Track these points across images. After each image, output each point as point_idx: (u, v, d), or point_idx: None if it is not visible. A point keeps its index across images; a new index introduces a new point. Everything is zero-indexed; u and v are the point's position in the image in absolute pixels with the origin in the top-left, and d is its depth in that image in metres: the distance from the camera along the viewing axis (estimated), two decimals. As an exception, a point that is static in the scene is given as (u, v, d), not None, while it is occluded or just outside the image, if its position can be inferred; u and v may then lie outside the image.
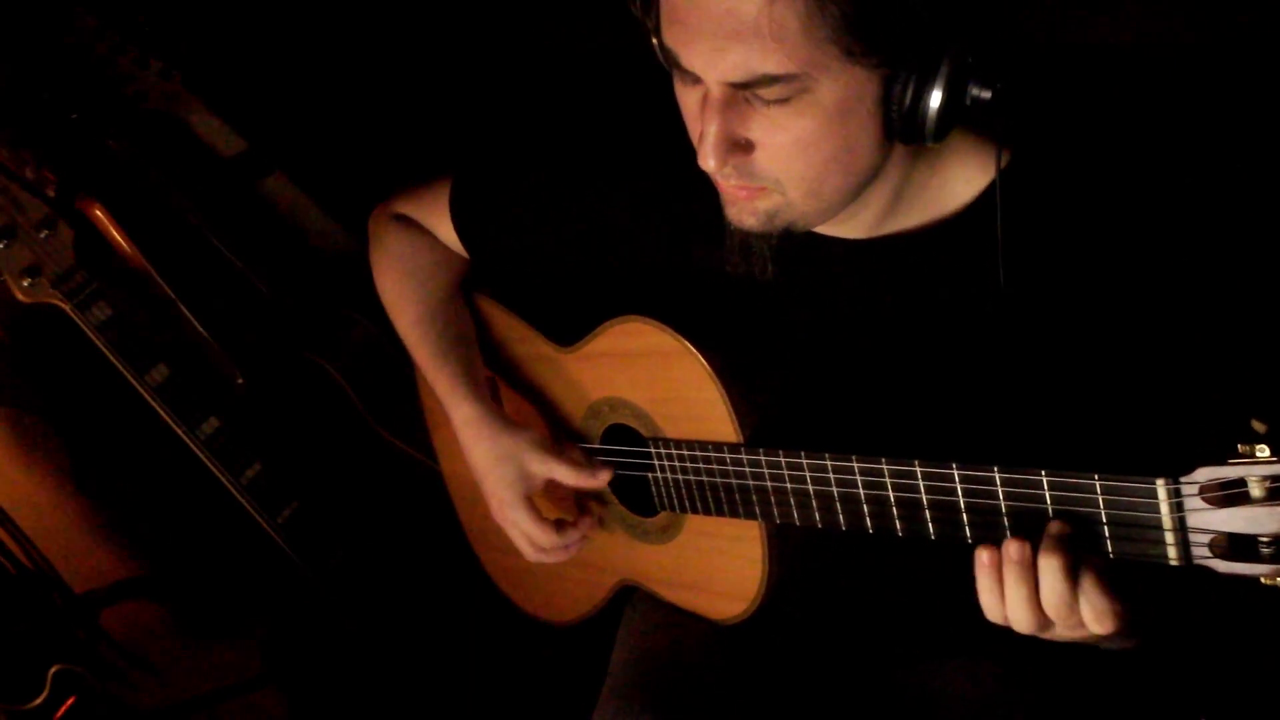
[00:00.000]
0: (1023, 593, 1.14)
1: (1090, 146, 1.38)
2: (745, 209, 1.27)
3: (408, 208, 1.82)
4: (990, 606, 1.18)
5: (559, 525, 1.70)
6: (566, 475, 1.67)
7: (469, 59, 2.54)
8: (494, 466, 1.69)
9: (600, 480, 1.67)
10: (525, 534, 1.71)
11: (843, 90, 1.14)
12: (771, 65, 1.11)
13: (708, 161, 1.20)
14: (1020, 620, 1.16)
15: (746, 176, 1.23)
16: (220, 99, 2.30)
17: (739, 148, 1.20)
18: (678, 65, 1.19)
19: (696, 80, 1.18)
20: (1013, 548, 1.14)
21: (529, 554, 1.74)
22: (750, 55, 1.11)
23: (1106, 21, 1.87)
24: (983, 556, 1.16)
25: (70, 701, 1.99)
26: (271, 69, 2.54)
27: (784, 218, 1.26)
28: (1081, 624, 1.13)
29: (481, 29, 2.51)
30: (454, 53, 2.55)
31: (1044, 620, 1.15)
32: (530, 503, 1.69)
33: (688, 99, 1.24)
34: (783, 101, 1.14)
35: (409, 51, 2.58)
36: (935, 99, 1.14)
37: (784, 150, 1.19)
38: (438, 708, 2.29)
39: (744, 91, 1.15)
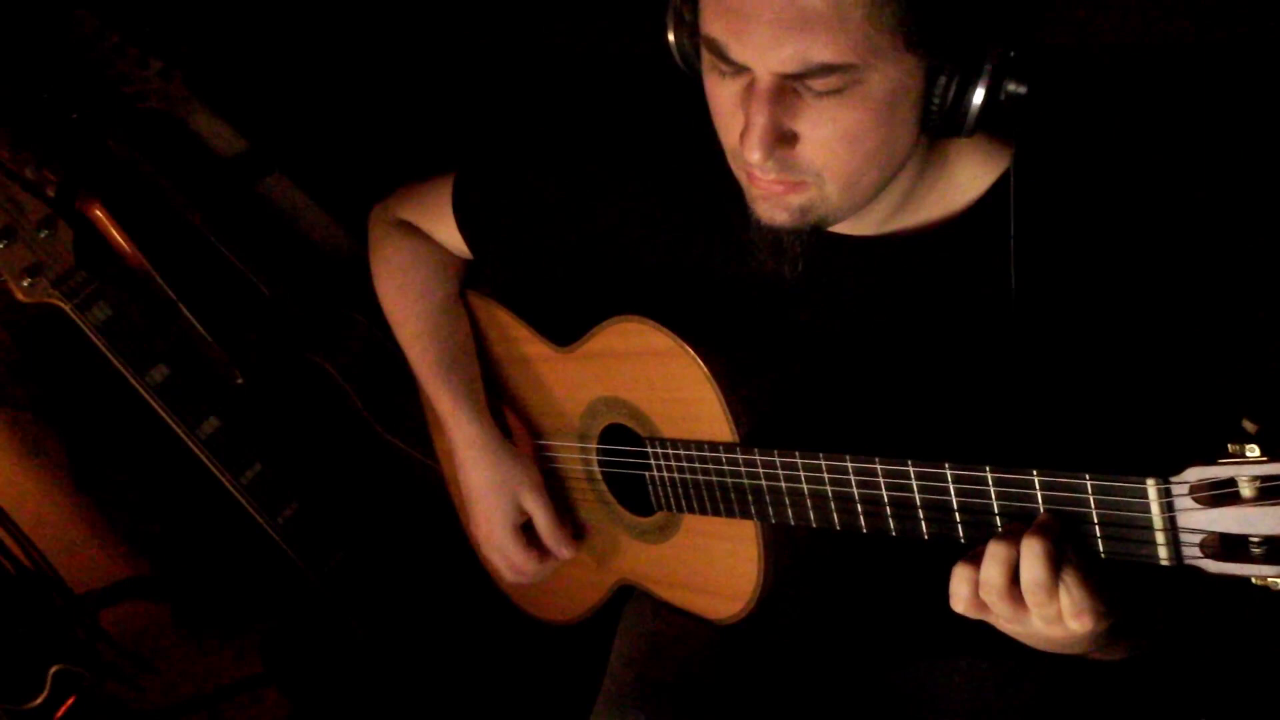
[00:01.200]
0: (1002, 553, 1.12)
1: (1097, 145, 1.38)
2: (778, 205, 1.26)
3: (407, 211, 1.82)
4: (961, 579, 1.17)
5: (541, 555, 1.77)
6: (545, 527, 1.75)
7: (470, 59, 2.55)
8: (489, 493, 1.75)
9: (564, 554, 1.76)
10: (508, 559, 1.79)
11: (893, 82, 1.14)
12: (830, 54, 1.10)
13: (753, 154, 1.18)
14: (992, 586, 1.14)
15: (788, 170, 1.21)
16: (220, 99, 2.30)
17: (784, 140, 1.18)
18: (724, 56, 1.17)
19: (739, 72, 1.18)
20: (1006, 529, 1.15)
21: (507, 577, 1.83)
22: (810, 44, 1.10)
23: (1113, 21, 1.87)
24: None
25: (70, 701, 1.99)
26: (271, 69, 2.54)
27: (816, 213, 1.26)
28: (1059, 617, 1.12)
29: (483, 28, 2.51)
30: (455, 52, 2.55)
31: (1018, 602, 1.13)
32: (518, 532, 1.76)
33: (725, 92, 1.22)
34: (834, 93, 1.14)
35: (409, 51, 2.59)
36: (979, 93, 1.15)
37: (830, 142, 1.18)
38: (438, 707, 2.29)
39: (793, 82, 1.15)
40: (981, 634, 1.48)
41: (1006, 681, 1.52)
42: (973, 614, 1.19)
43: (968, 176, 1.32)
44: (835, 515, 1.35)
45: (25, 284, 1.85)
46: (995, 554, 1.13)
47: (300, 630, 2.24)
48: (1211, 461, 0.99)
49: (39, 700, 1.97)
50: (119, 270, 2.17)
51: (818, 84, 1.13)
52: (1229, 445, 0.97)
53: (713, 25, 1.17)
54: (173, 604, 2.24)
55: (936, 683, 1.58)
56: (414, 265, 1.80)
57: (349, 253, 2.43)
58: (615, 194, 1.60)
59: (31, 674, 1.98)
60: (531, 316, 1.77)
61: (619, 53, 1.89)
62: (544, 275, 1.73)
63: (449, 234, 1.77)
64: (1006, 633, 1.20)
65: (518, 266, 1.75)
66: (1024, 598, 1.12)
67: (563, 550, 1.75)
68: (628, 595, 1.80)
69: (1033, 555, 1.10)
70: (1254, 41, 1.77)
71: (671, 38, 1.26)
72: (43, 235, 1.85)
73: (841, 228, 1.37)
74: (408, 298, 1.80)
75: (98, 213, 2.15)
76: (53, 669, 1.99)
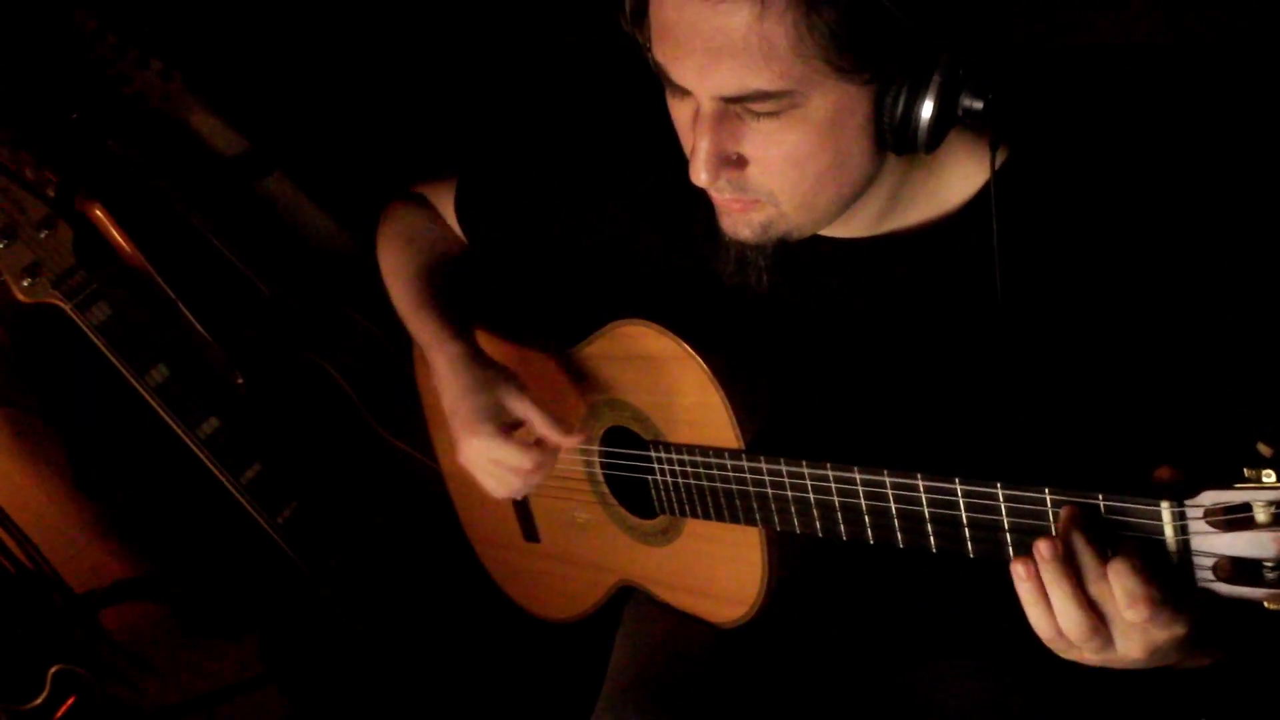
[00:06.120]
0: (1065, 588, 1.07)
1: (1088, 145, 1.38)
2: (740, 221, 1.28)
3: (421, 189, 1.85)
4: (1041, 621, 1.11)
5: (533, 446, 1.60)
6: (539, 421, 1.58)
7: (469, 59, 2.54)
8: (467, 395, 1.61)
9: (570, 441, 1.59)
10: (492, 458, 1.60)
11: (834, 105, 1.14)
12: (762, 81, 1.11)
13: (699, 176, 1.20)
14: (1071, 621, 1.08)
15: (740, 190, 1.23)
16: (220, 99, 2.30)
17: (731, 162, 1.20)
18: (669, 80, 1.19)
19: (688, 94, 1.19)
20: (1044, 546, 1.07)
21: (502, 486, 1.64)
22: (740, 71, 1.11)
23: (1103, 22, 1.87)
24: (1018, 570, 1.10)
25: (70, 701, 1.99)
26: (271, 69, 2.53)
27: (778, 229, 1.27)
28: (1123, 618, 1.06)
29: (482, 29, 2.51)
30: (454, 53, 2.54)
31: (1094, 619, 1.07)
32: (505, 430, 1.59)
33: (680, 112, 1.24)
34: (773, 115, 1.15)
35: (409, 51, 2.58)
36: (926, 112, 1.15)
37: (776, 165, 1.19)
38: (438, 707, 2.30)
39: (735, 106, 1.16)
40: (982, 636, 1.50)
41: (1008, 683, 1.53)
42: (1058, 641, 1.13)
43: (958, 177, 1.33)
44: (842, 526, 1.36)
45: (25, 284, 1.84)
46: (1057, 587, 1.08)
47: (300, 630, 2.24)
48: (1227, 485, 0.99)
49: (39, 700, 1.97)
50: (119, 270, 2.16)
51: (757, 107, 1.14)
52: (1244, 470, 0.97)
53: (657, 50, 1.19)
54: (173, 604, 2.23)
55: (938, 685, 1.58)
56: (419, 224, 1.82)
57: (349, 253, 2.43)
58: (615, 197, 1.61)
59: (31, 674, 1.98)
60: (535, 317, 1.78)
61: (619, 54, 1.88)
62: (545, 277, 1.74)
63: (455, 222, 1.78)
64: (1095, 665, 1.14)
65: (518, 268, 1.76)
66: (1088, 595, 1.07)
67: (566, 438, 1.58)
68: (628, 595, 1.80)
69: (1080, 544, 1.07)
70: (1246, 42, 1.77)
71: (649, 51, 1.27)
72: (43, 235, 1.85)
73: (833, 231, 1.37)
74: (407, 251, 1.80)
75: (98, 213, 2.15)
76: (53, 669, 1.99)
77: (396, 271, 1.80)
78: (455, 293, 1.78)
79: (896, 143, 1.18)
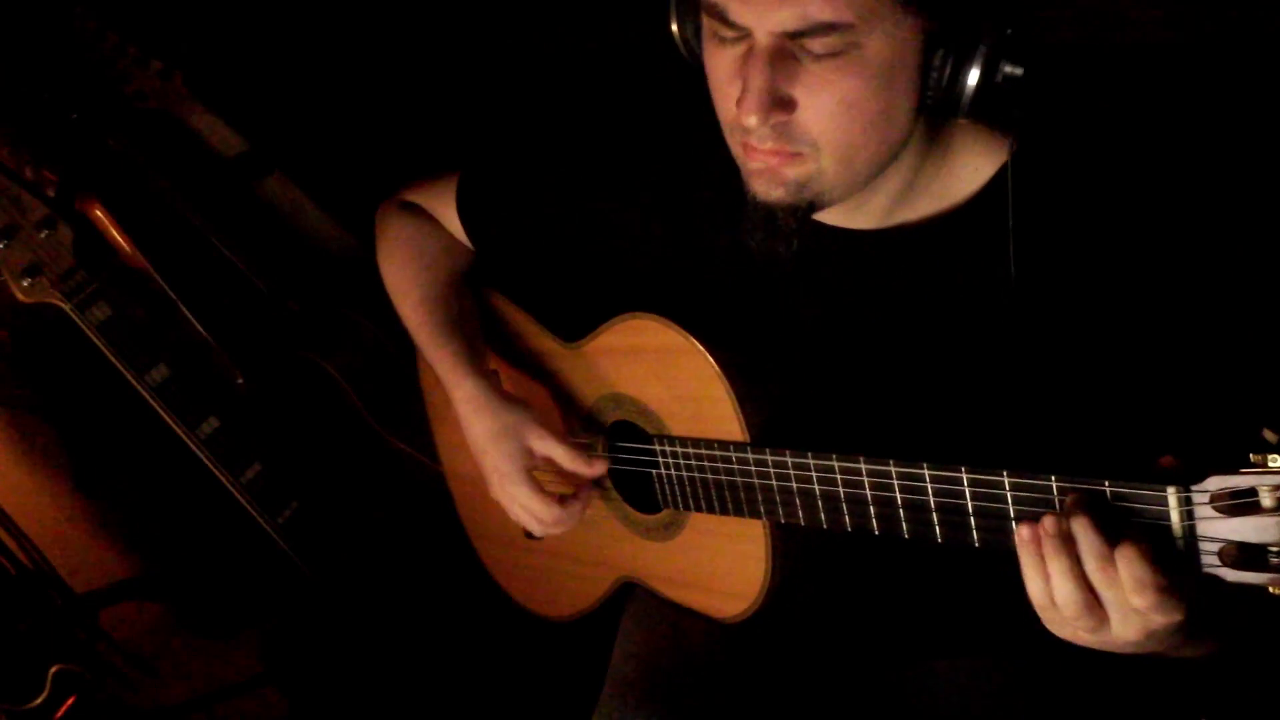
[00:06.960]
0: (1064, 564, 1.08)
1: (1097, 137, 1.39)
2: (774, 179, 1.26)
3: (416, 196, 1.84)
4: (1035, 588, 1.12)
5: (560, 499, 1.68)
6: (564, 458, 1.65)
7: (470, 58, 2.55)
8: (494, 441, 1.67)
9: (595, 471, 1.66)
10: (526, 508, 1.69)
11: (890, 49, 1.15)
12: (829, 13, 1.11)
13: (749, 118, 1.19)
14: (1066, 596, 1.09)
15: (784, 139, 1.22)
16: (220, 99, 2.30)
17: (781, 105, 1.19)
18: (724, 20, 1.18)
19: (739, 38, 1.19)
20: (1049, 521, 1.09)
21: (533, 528, 1.73)
22: (805, 3, 1.11)
23: (1115, 19, 1.88)
24: (1022, 532, 1.11)
25: (70, 701, 1.99)
26: (271, 69, 2.53)
27: (813, 188, 1.26)
28: (1126, 601, 1.06)
29: (482, 27, 2.51)
30: (455, 52, 2.55)
31: (1089, 597, 1.08)
32: (531, 477, 1.67)
33: (724, 60, 1.23)
34: (831, 55, 1.15)
35: (410, 51, 2.58)
36: (974, 69, 1.17)
37: (827, 109, 1.19)
38: (438, 707, 2.29)
39: (793, 44, 1.16)
40: (984, 635, 1.50)
41: (1009, 683, 1.53)
42: (1051, 613, 1.14)
43: (968, 169, 1.34)
44: (847, 517, 1.36)
45: (25, 284, 1.84)
46: (1057, 560, 1.10)
47: (300, 630, 2.24)
48: (1233, 471, 0.99)
49: (39, 700, 1.96)
50: (119, 270, 2.16)
51: (816, 45, 1.15)
52: (1250, 455, 0.98)
53: None
54: (173, 604, 2.23)
55: (939, 683, 1.58)
56: (420, 239, 1.81)
57: (349, 253, 2.43)
58: (618, 191, 1.61)
59: (31, 674, 1.97)
60: (539, 312, 1.78)
61: (616, 51, 1.89)
62: (546, 273, 1.74)
63: (455, 224, 1.78)
64: (1088, 645, 1.15)
65: (520, 264, 1.76)
66: (1089, 578, 1.08)
67: (593, 468, 1.65)
68: (629, 592, 1.80)
69: (1084, 530, 1.07)
70: (1255, 39, 1.78)
71: (674, 26, 1.27)
72: (43, 235, 1.85)
73: (842, 221, 1.38)
74: (412, 268, 1.80)
75: (97, 212, 2.14)
76: (53, 669, 1.98)
77: (405, 292, 1.80)
78: (465, 312, 1.79)
79: (940, 103, 1.20)
